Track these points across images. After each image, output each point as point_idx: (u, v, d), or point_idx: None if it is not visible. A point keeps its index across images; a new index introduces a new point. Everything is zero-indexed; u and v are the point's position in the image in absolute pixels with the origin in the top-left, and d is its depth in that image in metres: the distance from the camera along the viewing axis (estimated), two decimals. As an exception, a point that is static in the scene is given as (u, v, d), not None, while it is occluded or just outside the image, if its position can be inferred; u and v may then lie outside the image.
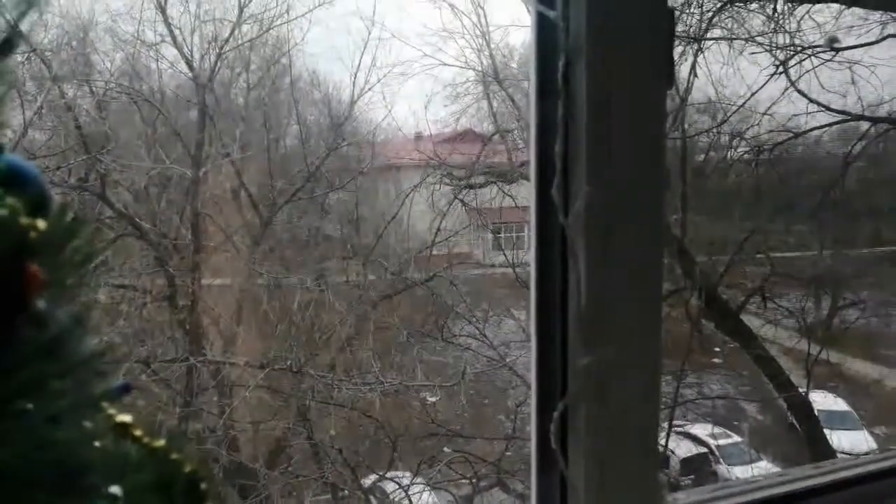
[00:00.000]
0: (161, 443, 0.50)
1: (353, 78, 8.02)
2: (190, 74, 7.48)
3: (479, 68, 8.12)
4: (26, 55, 6.60)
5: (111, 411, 0.49)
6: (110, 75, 7.37)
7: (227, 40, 7.59)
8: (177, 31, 7.34)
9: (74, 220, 0.44)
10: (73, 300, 0.41)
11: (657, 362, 1.01)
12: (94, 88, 7.20)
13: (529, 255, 1.00)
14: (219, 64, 7.62)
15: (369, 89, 8.04)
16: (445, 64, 7.96)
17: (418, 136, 8.74)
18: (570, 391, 0.96)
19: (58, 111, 6.93)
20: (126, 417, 0.50)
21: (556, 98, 0.92)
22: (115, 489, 0.44)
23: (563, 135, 0.91)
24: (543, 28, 0.93)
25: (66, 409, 0.37)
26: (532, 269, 1.00)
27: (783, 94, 6.57)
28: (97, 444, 0.45)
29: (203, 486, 0.49)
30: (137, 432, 0.50)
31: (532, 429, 1.04)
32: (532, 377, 1.04)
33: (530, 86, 0.98)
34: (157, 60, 7.51)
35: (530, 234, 0.99)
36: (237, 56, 8.08)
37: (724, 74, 6.56)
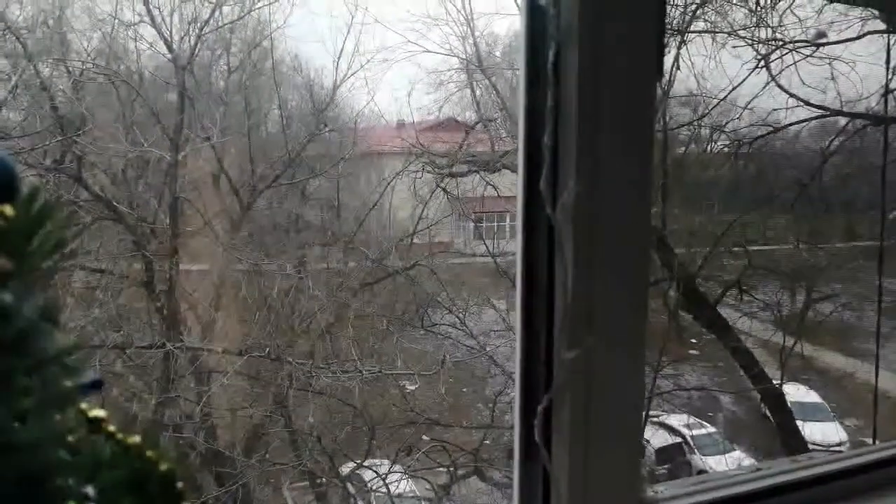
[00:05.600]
0: (135, 439, 0.48)
1: (335, 63, 7.95)
2: (169, 56, 7.36)
3: (463, 56, 8.08)
4: (0, 33, 6.46)
5: (84, 406, 0.47)
6: (87, 55, 7.23)
7: (207, 21, 7.48)
8: (155, 11, 7.21)
9: (45, 206, 0.42)
10: (41, 291, 0.38)
11: (641, 356, 1.01)
12: (70, 68, 7.06)
13: (516, 248, 0.98)
14: (199, 45, 7.50)
15: (352, 75, 7.98)
16: (429, 51, 7.91)
17: (401, 124, 8.70)
18: (555, 385, 0.95)
19: (33, 91, 6.79)
20: (99, 412, 0.48)
21: (546, 88, 0.91)
22: (87, 489, 0.42)
23: (552, 126, 0.89)
24: (534, 15, 0.91)
25: (32, 408, 0.35)
26: (518, 262, 0.99)
27: (764, 88, 6.62)
28: (70, 438, 0.43)
29: (179, 485, 0.47)
30: (111, 428, 0.48)
31: (515, 422, 1.03)
32: (517, 370, 1.03)
33: (519, 75, 0.96)
34: (136, 41, 7.39)
35: (517, 226, 0.98)
36: (217, 38, 7.96)
37: (707, 67, 6.59)
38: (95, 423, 0.47)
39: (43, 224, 0.41)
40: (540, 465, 1.00)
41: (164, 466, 0.47)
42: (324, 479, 6.75)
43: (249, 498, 6.42)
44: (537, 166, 0.92)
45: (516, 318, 1.01)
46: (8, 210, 0.36)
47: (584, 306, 0.92)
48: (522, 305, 0.99)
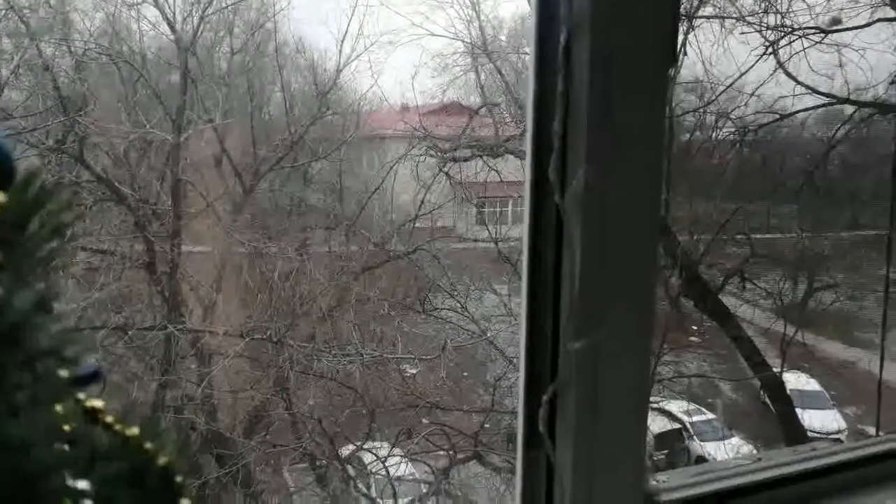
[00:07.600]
0: (134, 431, 0.47)
1: (339, 46, 7.90)
2: (172, 37, 7.31)
3: (468, 40, 8.02)
4: (3, 12, 6.41)
5: (80, 395, 0.45)
6: (90, 35, 7.19)
7: (210, 2, 7.42)
8: (159, -9, 7.16)
9: (41, 191, 0.40)
10: (36, 280, 0.37)
11: (648, 347, 1.00)
12: (73, 48, 7.02)
13: (522, 235, 0.97)
14: (202, 27, 7.45)
15: (356, 58, 7.94)
16: (434, 34, 7.86)
17: (404, 107, 8.65)
18: (560, 375, 0.94)
19: (35, 71, 6.75)
20: (97, 402, 0.47)
21: (556, 73, 0.88)
22: (82, 484, 0.41)
23: (562, 112, 0.87)
24: (544, -1, 0.89)
25: (25, 404, 0.33)
26: (524, 250, 0.97)
27: (771, 75, 6.56)
28: (66, 428, 0.42)
29: (178, 478, 0.46)
30: (108, 419, 0.47)
31: (519, 411, 1.02)
32: (521, 359, 1.01)
33: (528, 59, 0.94)
34: (139, 21, 7.34)
35: (524, 214, 0.96)
36: (221, 19, 7.91)
37: (714, 53, 6.53)
38: (92, 414, 0.46)
39: (39, 210, 0.39)
40: (543, 454, 0.99)
41: (162, 459, 0.46)
42: (324, 462, 6.78)
43: (250, 479, 6.45)
44: (546, 153, 0.90)
45: (521, 307, 0.99)
46: (0, 197, 0.34)
47: (591, 296, 0.90)
48: (528, 294, 0.98)
